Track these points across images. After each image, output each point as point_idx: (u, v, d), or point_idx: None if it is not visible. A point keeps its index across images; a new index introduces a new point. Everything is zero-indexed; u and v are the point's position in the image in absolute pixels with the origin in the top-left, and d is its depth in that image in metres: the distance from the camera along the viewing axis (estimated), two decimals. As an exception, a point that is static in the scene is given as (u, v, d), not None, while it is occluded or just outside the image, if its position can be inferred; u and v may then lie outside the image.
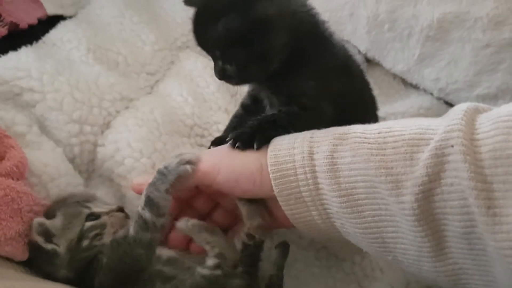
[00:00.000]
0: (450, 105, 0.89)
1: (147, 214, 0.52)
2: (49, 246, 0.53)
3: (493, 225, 0.40)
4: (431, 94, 0.90)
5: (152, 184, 0.53)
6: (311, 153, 0.51)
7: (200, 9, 0.55)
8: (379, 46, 0.92)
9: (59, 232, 0.54)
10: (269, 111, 0.62)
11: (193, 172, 0.53)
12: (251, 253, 0.55)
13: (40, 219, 0.54)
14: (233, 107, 0.81)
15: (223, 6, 0.52)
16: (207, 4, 0.54)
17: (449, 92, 0.87)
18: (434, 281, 0.49)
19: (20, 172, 0.56)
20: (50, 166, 0.61)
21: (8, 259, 0.53)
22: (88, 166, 0.67)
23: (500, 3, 0.80)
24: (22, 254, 0.54)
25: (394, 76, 0.96)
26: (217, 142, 0.62)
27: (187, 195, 0.61)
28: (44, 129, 0.66)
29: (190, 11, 0.94)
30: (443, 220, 0.44)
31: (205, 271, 0.53)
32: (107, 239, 0.55)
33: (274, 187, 0.52)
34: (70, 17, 0.87)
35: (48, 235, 0.53)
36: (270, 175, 0.52)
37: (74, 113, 0.67)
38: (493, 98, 0.84)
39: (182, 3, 0.94)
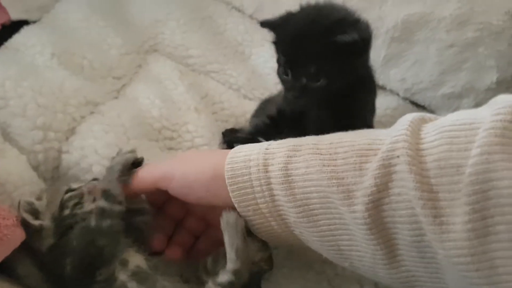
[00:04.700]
0: (416, 105, 0.91)
1: (103, 203, 0.55)
2: (36, 222, 0.56)
3: (440, 234, 0.41)
4: (397, 94, 0.91)
5: (103, 179, 0.58)
6: (266, 165, 0.52)
7: (297, 29, 0.58)
8: (346, 47, 0.93)
9: (44, 209, 0.58)
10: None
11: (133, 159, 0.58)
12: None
13: (28, 199, 0.58)
14: (204, 107, 0.80)
15: (332, 24, 0.57)
16: (306, 25, 0.58)
17: (414, 92, 0.88)
18: (391, 286, 0.50)
19: (-19, 181, 0.55)
20: (14, 174, 0.60)
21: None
22: (53, 173, 0.66)
23: (463, 4, 0.82)
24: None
25: (362, 77, 0.97)
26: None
27: (180, 214, 0.62)
28: (7, 136, 0.65)
29: (158, 14, 0.94)
30: (393, 229, 0.45)
31: None
32: (87, 207, 0.57)
33: (232, 199, 0.53)
34: (35, 22, 0.86)
35: (35, 213, 0.57)
36: (228, 187, 0.52)
37: (37, 119, 0.65)
38: (458, 97, 0.86)
39: (150, 6, 0.95)
